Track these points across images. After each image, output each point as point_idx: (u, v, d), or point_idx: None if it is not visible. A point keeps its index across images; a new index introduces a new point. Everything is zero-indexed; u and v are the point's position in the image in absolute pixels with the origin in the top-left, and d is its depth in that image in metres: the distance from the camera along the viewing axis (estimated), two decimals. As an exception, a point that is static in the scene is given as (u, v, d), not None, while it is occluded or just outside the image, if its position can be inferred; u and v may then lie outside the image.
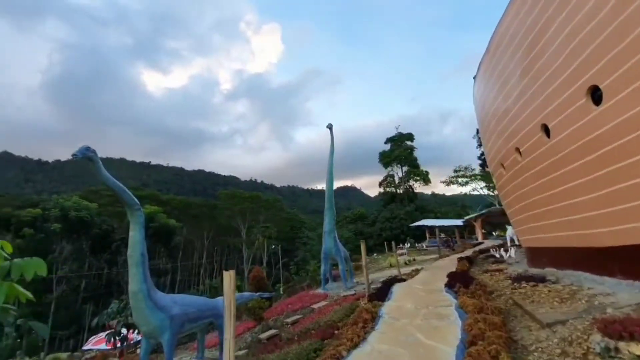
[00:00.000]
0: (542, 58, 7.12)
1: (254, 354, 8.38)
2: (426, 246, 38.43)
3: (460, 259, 15.86)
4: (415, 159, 56.85)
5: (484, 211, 37.94)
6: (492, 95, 9.91)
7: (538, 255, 9.40)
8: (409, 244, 31.56)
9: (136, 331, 10.87)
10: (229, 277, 3.56)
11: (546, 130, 7.10)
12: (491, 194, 54.36)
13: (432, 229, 43.59)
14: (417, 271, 15.20)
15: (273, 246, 44.53)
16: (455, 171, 55.31)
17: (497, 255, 15.29)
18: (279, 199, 63.88)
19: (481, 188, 55.13)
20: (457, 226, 43.11)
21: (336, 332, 7.48)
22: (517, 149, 8.52)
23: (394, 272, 19.26)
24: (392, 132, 59.62)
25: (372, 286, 14.02)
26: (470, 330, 4.79)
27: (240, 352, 9.16)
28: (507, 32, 8.48)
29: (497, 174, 11.28)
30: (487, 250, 19.64)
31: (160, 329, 6.01)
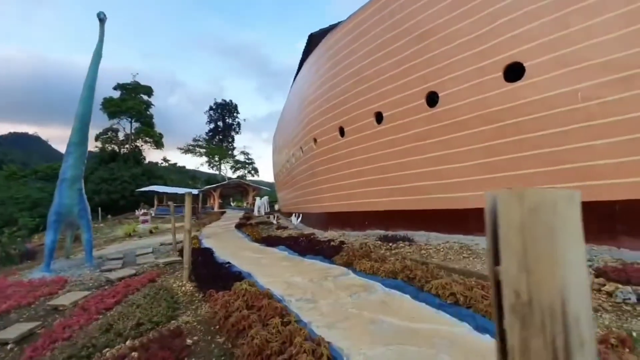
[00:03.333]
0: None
1: None
2: (155, 214, 34.69)
3: (240, 226, 14.68)
4: (152, 117, 49.71)
5: (224, 182, 38.87)
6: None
7: (348, 218, 9.99)
8: (142, 210, 26.40)
9: None
10: None
11: (431, 99, 7.42)
12: (213, 171, 57.77)
13: (162, 196, 40.03)
14: (196, 240, 12.46)
15: None
16: (195, 140, 53.60)
17: (275, 222, 15.40)
18: None
19: (205, 162, 56.84)
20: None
21: (189, 342, 4.20)
22: (378, 112, 8.52)
23: (140, 243, 15.42)
24: (114, 81, 48.17)
25: (130, 267, 10.01)
26: (469, 301, 3.76)
27: None
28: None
29: (321, 142, 11.09)
30: (249, 217, 19.62)
31: None
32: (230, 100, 66.50)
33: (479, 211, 5.33)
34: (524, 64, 5.80)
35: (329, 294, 4.60)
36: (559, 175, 5.52)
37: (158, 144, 50.48)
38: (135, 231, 20.61)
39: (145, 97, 49.50)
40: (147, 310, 5.14)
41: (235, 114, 66.39)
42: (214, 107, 64.49)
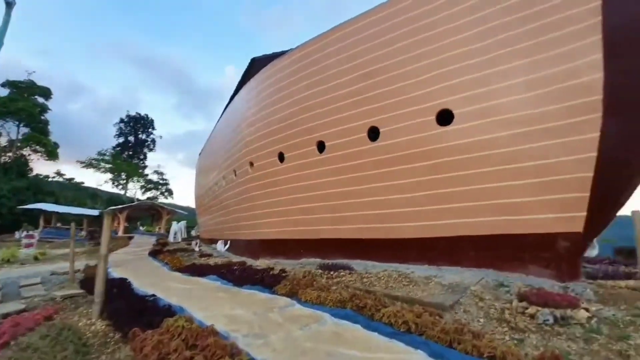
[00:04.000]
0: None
1: None
2: (41, 236, 29.21)
3: (156, 253, 13.12)
4: (47, 123, 42.93)
5: (133, 203, 34.73)
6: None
7: (283, 246, 9.77)
8: (25, 232, 21.75)
9: None
10: None
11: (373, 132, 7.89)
12: (118, 190, 51.79)
13: (50, 215, 34.13)
14: (90, 268, 10.64)
15: None
16: (101, 154, 47.47)
17: (197, 249, 14.17)
18: None
19: (109, 179, 50.71)
20: (88, 216, 36.17)
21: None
22: (321, 141, 8.70)
23: (23, 271, 12.79)
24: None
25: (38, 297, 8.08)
26: (421, 328, 3.88)
27: None
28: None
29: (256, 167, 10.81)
30: (165, 243, 17.66)
31: None
32: (146, 115, 61.74)
33: (416, 241, 5.83)
34: (453, 112, 6.64)
35: (278, 328, 4.30)
36: (481, 210, 6.29)
37: (51, 154, 43.41)
38: (15, 257, 16.88)
39: (41, 100, 42.73)
40: (47, 355, 4.12)
41: (150, 130, 61.53)
42: (125, 119, 59.22)
